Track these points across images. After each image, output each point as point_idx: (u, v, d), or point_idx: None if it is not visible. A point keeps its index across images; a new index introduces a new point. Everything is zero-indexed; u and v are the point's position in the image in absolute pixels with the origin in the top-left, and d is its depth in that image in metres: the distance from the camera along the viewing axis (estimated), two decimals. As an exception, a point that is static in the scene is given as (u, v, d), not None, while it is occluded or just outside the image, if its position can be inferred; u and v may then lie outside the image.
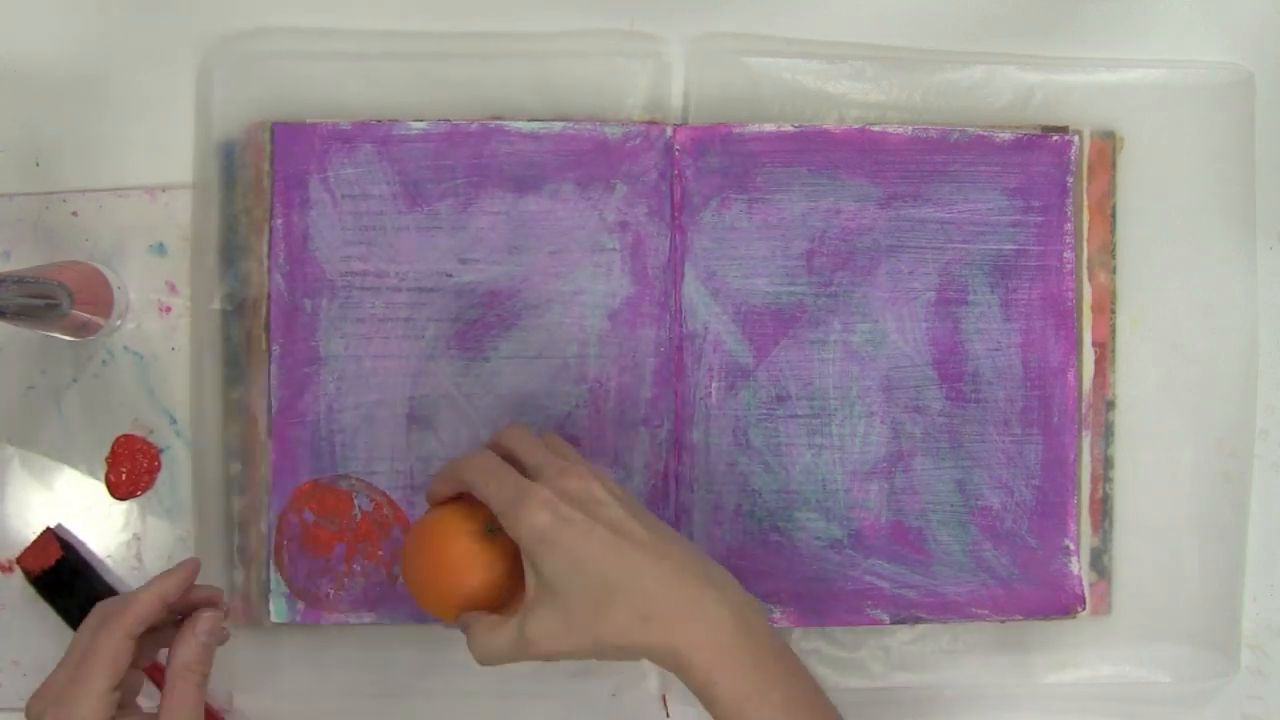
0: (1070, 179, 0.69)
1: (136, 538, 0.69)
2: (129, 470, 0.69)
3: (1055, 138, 0.69)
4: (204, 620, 0.57)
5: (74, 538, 0.69)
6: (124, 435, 0.69)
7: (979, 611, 0.69)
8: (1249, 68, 0.71)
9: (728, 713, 0.53)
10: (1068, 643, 0.70)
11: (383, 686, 0.69)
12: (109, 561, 0.69)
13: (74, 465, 0.69)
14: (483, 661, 0.56)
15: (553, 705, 0.70)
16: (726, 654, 0.54)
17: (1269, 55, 0.71)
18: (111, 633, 0.55)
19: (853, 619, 0.69)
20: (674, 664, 0.54)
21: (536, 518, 0.54)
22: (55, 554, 0.68)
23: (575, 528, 0.54)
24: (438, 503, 0.61)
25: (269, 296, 0.67)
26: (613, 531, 0.55)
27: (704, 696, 0.54)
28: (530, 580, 0.55)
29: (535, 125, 0.68)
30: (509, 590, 0.59)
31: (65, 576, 0.68)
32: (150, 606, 0.56)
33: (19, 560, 0.68)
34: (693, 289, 0.68)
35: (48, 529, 0.69)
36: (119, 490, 0.69)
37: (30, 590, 0.68)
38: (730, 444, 0.69)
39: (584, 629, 0.54)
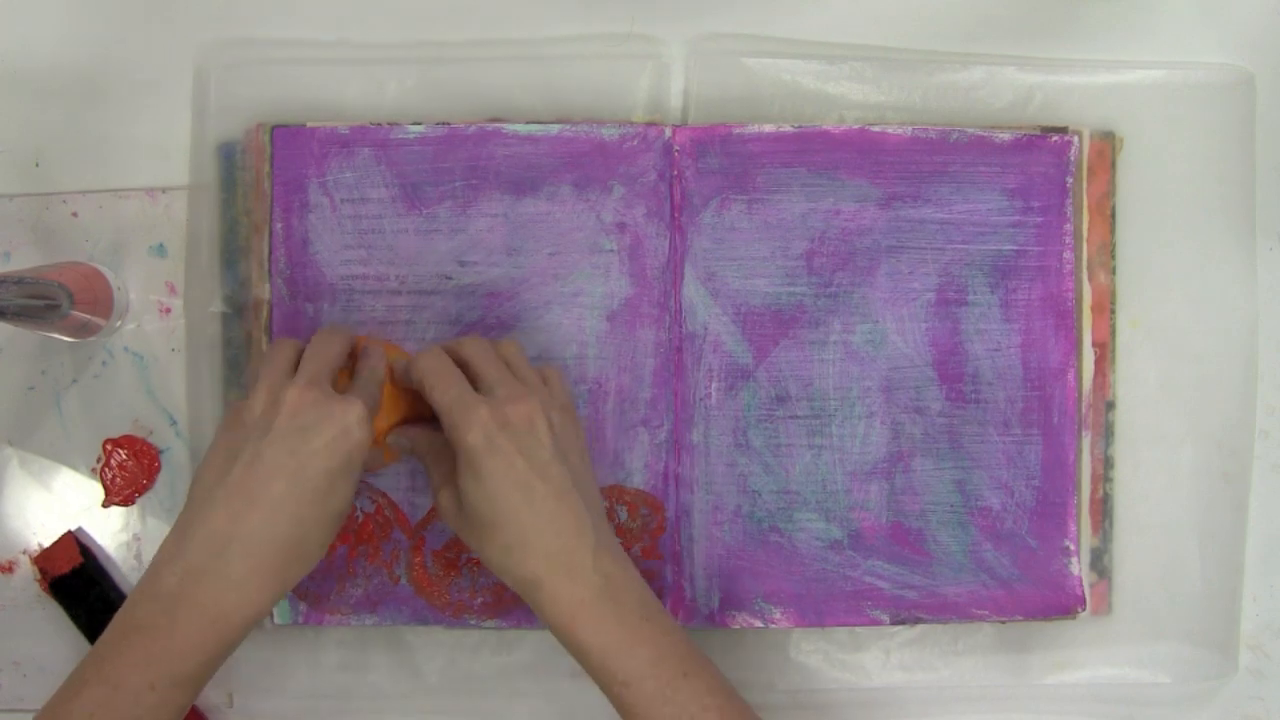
0: (1070, 179, 0.69)
1: (136, 538, 0.69)
2: (122, 477, 0.69)
3: (1055, 138, 0.69)
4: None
5: (93, 542, 0.69)
6: (113, 440, 0.69)
7: (979, 612, 0.69)
8: (1249, 68, 0.71)
9: (595, 664, 0.57)
10: (1068, 643, 0.70)
11: (384, 688, 0.69)
12: (109, 564, 0.69)
13: (73, 466, 0.69)
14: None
15: (553, 706, 0.70)
16: (587, 609, 0.57)
17: (1269, 56, 0.71)
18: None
19: (853, 620, 0.69)
20: (535, 608, 0.59)
21: (469, 436, 0.57)
22: (75, 559, 0.68)
23: (499, 459, 0.57)
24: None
25: (270, 300, 0.67)
26: (531, 470, 0.58)
27: (568, 646, 0.58)
28: (459, 464, 0.59)
29: (533, 127, 0.68)
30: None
31: (82, 582, 0.68)
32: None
33: (36, 561, 0.68)
34: (692, 290, 0.68)
35: (69, 533, 0.69)
36: (115, 495, 0.69)
37: (31, 590, 0.68)
38: (730, 445, 0.69)
39: (473, 538, 0.59)
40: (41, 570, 0.68)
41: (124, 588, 0.69)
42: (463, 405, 0.58)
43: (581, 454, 0.62)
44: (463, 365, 0.61)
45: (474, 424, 0.57)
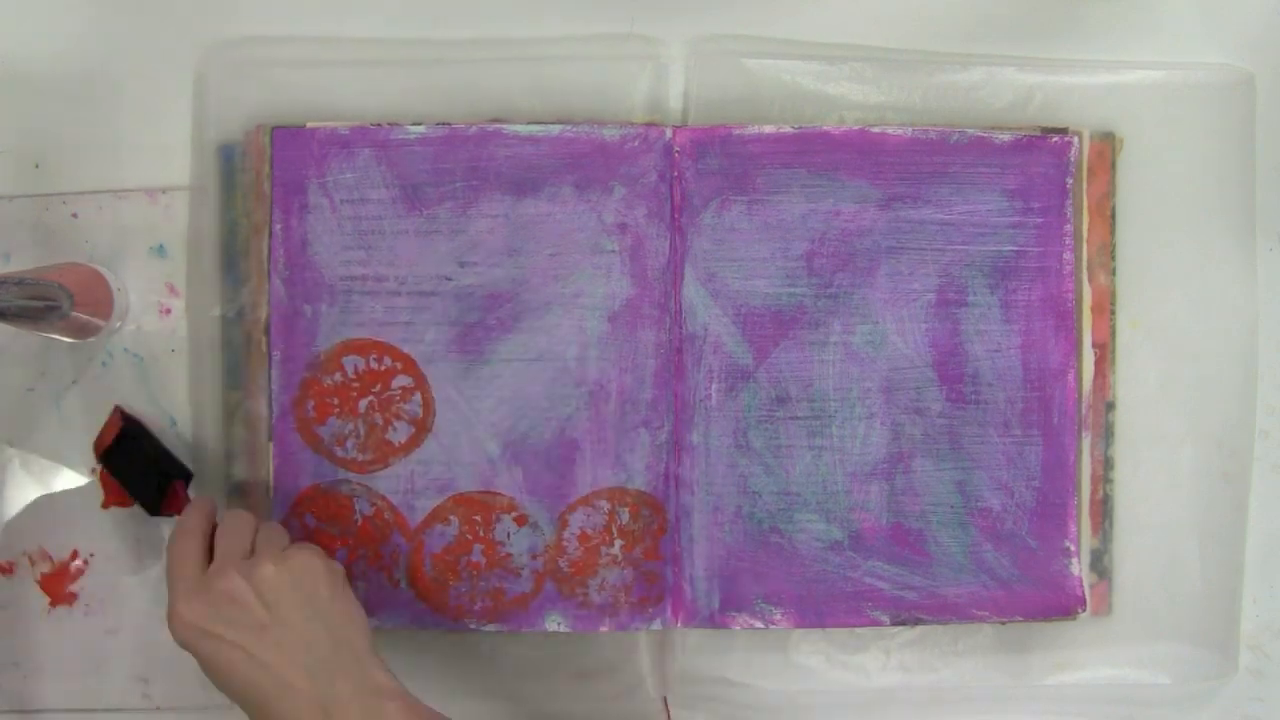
0: (1070, 180, 0.69)
1: (137, 539, 0.69)
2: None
3: (1055, 139, 0.69)
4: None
5: (142, 415, 0.69)
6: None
7: (979, 613, 0.69)
8: (1249, 69, 0.71)
9: None
10: (1068, 644, 0.70)
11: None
12: (109, 564, 0.69)
13: (73, 467, 0.69)
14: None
15: (554, 707, 0.70)
16: None
17: (1269, 56, 0.71)
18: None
19: (853, 620, 0.69)
20: None
21: (178, 633, 0.58)
22: (116, 426, 0.68)
23: (206, 644, 0.57)
24: None
25: (269, 301, 0.67)
26: (235, 647, 0.57)
27: None
28: None
29: (533, 128, 0.68)
30: None
31: (127, 447, 0.68)
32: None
33: (94, 444, 0.68)
34: (692, 291, 0.68)
35: (117, 408, 0.69)
36: (114, 496, 0.69)
37: (31, 590, 0.68)
38: (730, 446, 0.69)
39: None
40: (95, 451, 0.68)
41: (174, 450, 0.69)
42: (171, 593, 0.59)
43: (309, 599, 0.60)
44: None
45: (176, 619, 0.58)
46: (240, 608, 0.58)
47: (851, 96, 0.70)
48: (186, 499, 0.67)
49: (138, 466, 0.68)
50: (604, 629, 0.68)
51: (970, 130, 0.69)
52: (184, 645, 0.58)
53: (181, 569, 0.60)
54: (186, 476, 0.68)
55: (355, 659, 0.59)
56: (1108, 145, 0.70)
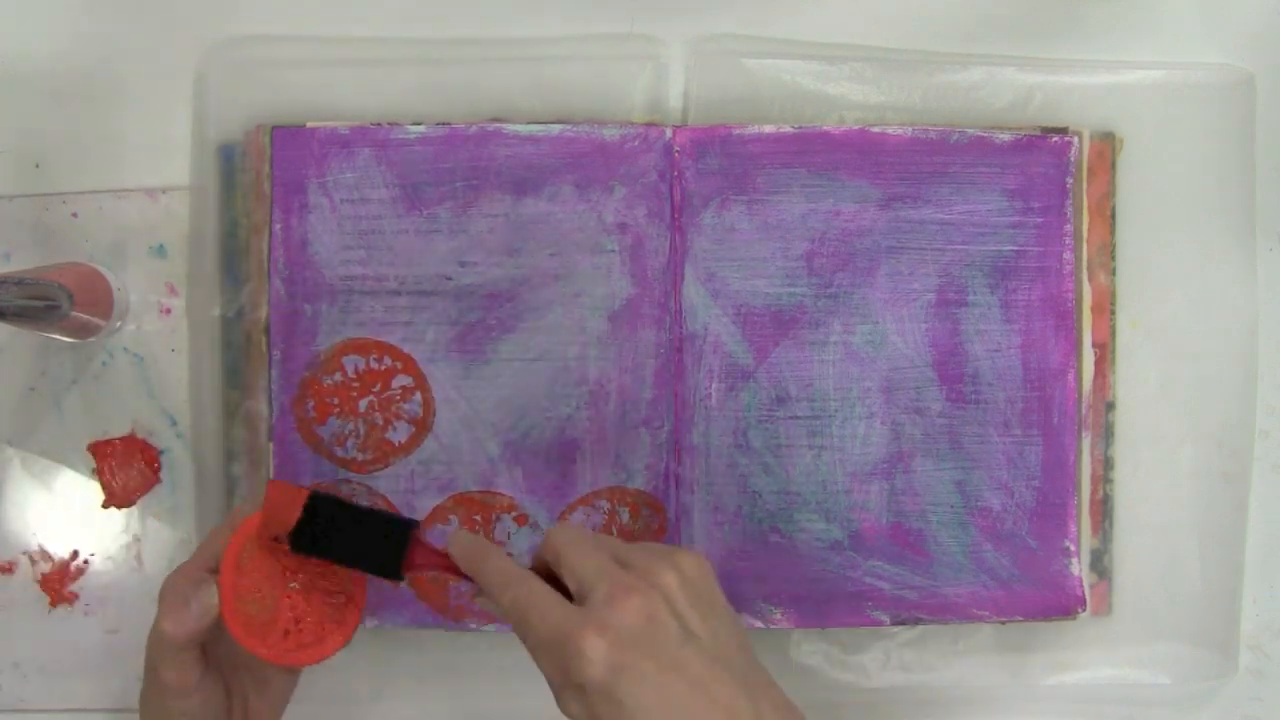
0: (1070, 180, 0.69)
1: (137, 539, 0.69)
2: (122, 479, 0.69)
3: (1055, 139, 0.69)
4: None
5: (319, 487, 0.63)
6: (101, 442, 0.69)
7: (979, 613, 0.69)
8: (1249, 69, 0.71)
9: None
10: (1068, 644, 0.70)
11: (383, 691, 0.69)
12: (109, 564, 0.69)
13: (74, 467, 0.69)
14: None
15: (553, 706, 0.70)
16: None
17: (1269, 56, 0.71)
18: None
19: (853, 620, 0.69)
20: None
21: (587, 670, 0.49)
22: (299, 500, 0.57)
23: (626, 678, 0.49)
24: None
25: (269, 301, 0.67)
26: (661, 670, 0.50)
27: None
28: (587, 693, 0.51)
29: (533, 128, 0.68)
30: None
31: (322, 521, 0.57)
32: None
33: (262, 529, 0.57)
34: (693, 290, 0.68)
35: (271, 483, 0.59)
36: (115, 497, 0.69)
37: (31, 591, 0.68)
38: (730, 445, 0.69)
39: None
40: (274, 537, 0.57)
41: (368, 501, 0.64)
42: (562, 632, 0.50)
43: (712, 606, 0.53)
44: (549, 562, 0.54)
45: (583, 655, 0.49)
46: (656, 629, 0.50)
47: (851, 96, 0.70)
48: (431, 548, 0.58)
49: (347, 533, 0.57)
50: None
51: (970, 130, 0.69)
52: (599, 684, 0.49)
53: (544, 607, 0.51)
54: (414, 524, 0.59)
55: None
56: (1108, 145, 0.70)
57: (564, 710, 0.52)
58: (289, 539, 0.56)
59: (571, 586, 0.53)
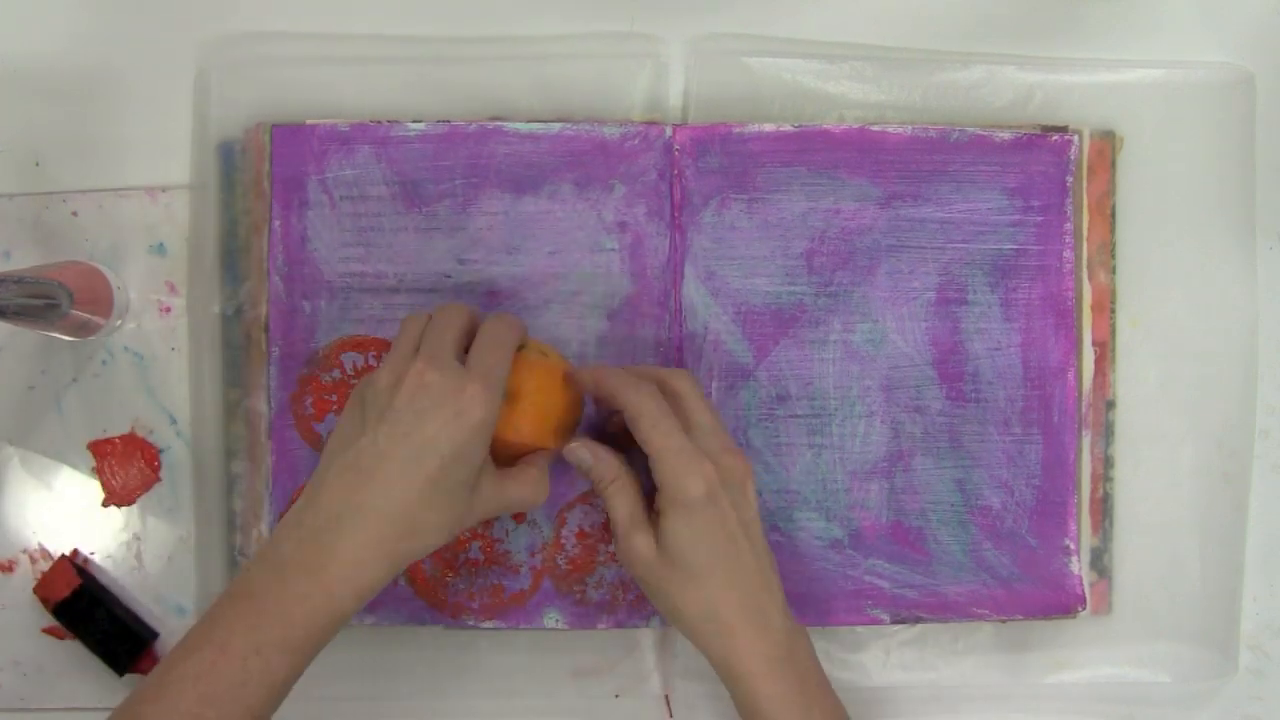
0: (1070, 178, 0.69)
1: (136, 538, 0.69)
2: (122, 477, 0.69)
3: (1055, 137, 0.69)
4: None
5: (92, 563, 0.69)
6: (101, 440, 0.69)
7: (979, 611, 0.69)
8: (1249, 68, 0.71)
9: (767, 717, 0.59)
10: (1068, 643, 0.70)
11: (383, 689, 0.69)
12: (109, 563, 0.69)
13: (73, 465, 0.69)
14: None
15: (556, 707, 0.70)
16: (775, 666, 0.59)
17: (1269, 55, 0.71)
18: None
19: (853, 619, 0.69)
20: (723, 672, 0.60)
21: (693, 486, 0.58)
22: (73, 582, 0.67)
23: (715, 511, 0.59)
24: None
25: (268, 298, 0.67)
26: (740, 527, 0.59)
27: (746, 706, 0.60)
28: (661, 506, 0.59)
29: (533, 126, 0.68)
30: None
31: (86, 603, 0.67)
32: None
33: (37, 590, 0.68)
34: (693, 289, 0.68)
35: (63, 557, 0.68)
36: (115, 495, 0.69)
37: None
38: (730, 444, 0.69)
39: (669, 582, 0.60)
40: (43, 599, 0.68)
41: (129, 602, 0.69)
42: (686, 455, 0.58)
43: (758, 513, 0.62)
44: (668, 399, 0.61)
45: (699, 476, 0.58)
46: (745, 494, 0.61)
47: (852, 95, 0.70)
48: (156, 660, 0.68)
49: (100, 624, 0.68)
50: (602, 626, 0.68)
51: (970, 129, 0.69)
52: (683, 504, 0.58)
53: (671, 422, 0.60)
54: (153, 636, 0.69)
55: None
56: (1108, 144, 0.70)
57: (623, 541, 0.60)
58: (52, 604, 0.67)
59: (681, 419, 0.60)
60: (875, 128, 0.69)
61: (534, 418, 0.61)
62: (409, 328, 0.60)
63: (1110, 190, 0.70)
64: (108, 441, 0.69)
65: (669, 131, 0.68)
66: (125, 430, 0.69)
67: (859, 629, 0.70)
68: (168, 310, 0.69)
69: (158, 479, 0.69)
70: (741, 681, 0.59)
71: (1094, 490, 0.70)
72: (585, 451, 0.62)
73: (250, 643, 0.54)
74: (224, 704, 0.53)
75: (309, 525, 0.56)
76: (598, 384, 0.61)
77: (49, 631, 0.68)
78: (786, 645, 0.60)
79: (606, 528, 0.68)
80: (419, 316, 0.61)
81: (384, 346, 0.67)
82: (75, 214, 0.69)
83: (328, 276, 0.68)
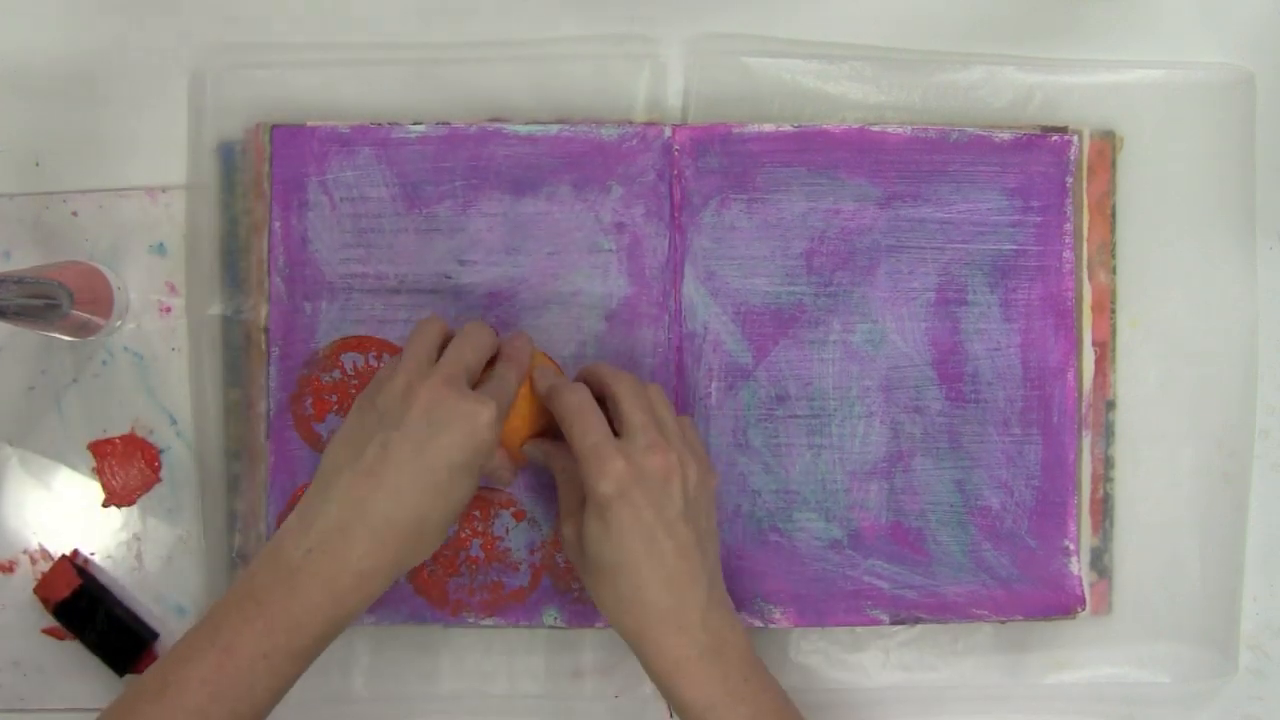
0: (1070, 179, 0.69)
1: (136, 538, 0.69)
2: (123, 477, 0.69)
3: (1055, 137, 0.69)
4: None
5: (92, 563, 0.69)
6: (101, 440, 0.69)
7: (979, 612, 0.69)
8: (1249, 68, 0.71)
9: (694, 715, 0.58)
10: (1067, 643, 0.70)
11: (382, 689, 0.69)
12: (109, 563, 0.69)
13: (73, 466, 0.69)
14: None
15: (555, 707, 0.70)
16: (691, 665, 0.58)
17: (1269, 55, 0.71)
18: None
19: (852, 619, 0.69)
20: (639, 657, 0.59)
21: (601, 485, 0.57)
22: (73, 582, 0.68)
23: (628, 510, 0.57)
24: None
25: (269, 299, 0.67)
26: (658, 524, 0.58)
27: (668, 698, 0.59)
28: (587, 505, 0.59)
29: (533, 128, 0.68)
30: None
31: (86, 603, 0.68)
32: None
33: (37, 591, 0.68)
34: (692, 289, 0.68)
35: (63, 557, 0.69)
36: (115, 495, 0.69)
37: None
38: (730, 444, 0.69)
39: (588, 577, 0.60)
40: (43, 599, 0.68)
41: (129, 603, 0.69)
42: (599, 454, 0.58)
43: (709, 512, 0.62)
44: (608, 399, 0.61)
45: (609, 474, 0.57)
46: (668, 493, 0.59)
47: (851, 95, 0.70)
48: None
49: (100, 624, 0.68)
50: (600, 625, 0.68)
51: (970, 129, 0.69)
52: (596, 502, 0.58)
53: (592, 420, 0.60)
54: (153, 636, 0.69)
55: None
56: (1108, 144, 0.70)
57: (558, 528, 0.62)
58: (52, 605, 0.68)
59: (616, 423, 0.60)
60: (875, 128, 0.69)
61: (514, 427, 0.64)
62: (425, 334, 0.61)
63: (1110, 190, 0.70)
64: (108, 442, 0.69)
65: (668, 132, 0.68)
66: (125, 430, 0.69)
67: (858, 629, 0.70)
68: (168, 310, 0.69)
69: (158, 479, 0.69)
70: (659, 680, 0.59)
71: (1094, 490, 0.70)
72: (537, 450, 0.64)
73: (259, 648, 0.54)
74: (229, 705, 0.54)
75: (318, 532, 0.56)
76: (546, 396, 0.62)
77: (49, 632, 0.69)
78: (705, 644, 0.58)
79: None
80: (434, 322, 0.61)
81: (384, 347, 0.67)
82: (75, 214, 0.69)
83: (328, 277, 0.68)
